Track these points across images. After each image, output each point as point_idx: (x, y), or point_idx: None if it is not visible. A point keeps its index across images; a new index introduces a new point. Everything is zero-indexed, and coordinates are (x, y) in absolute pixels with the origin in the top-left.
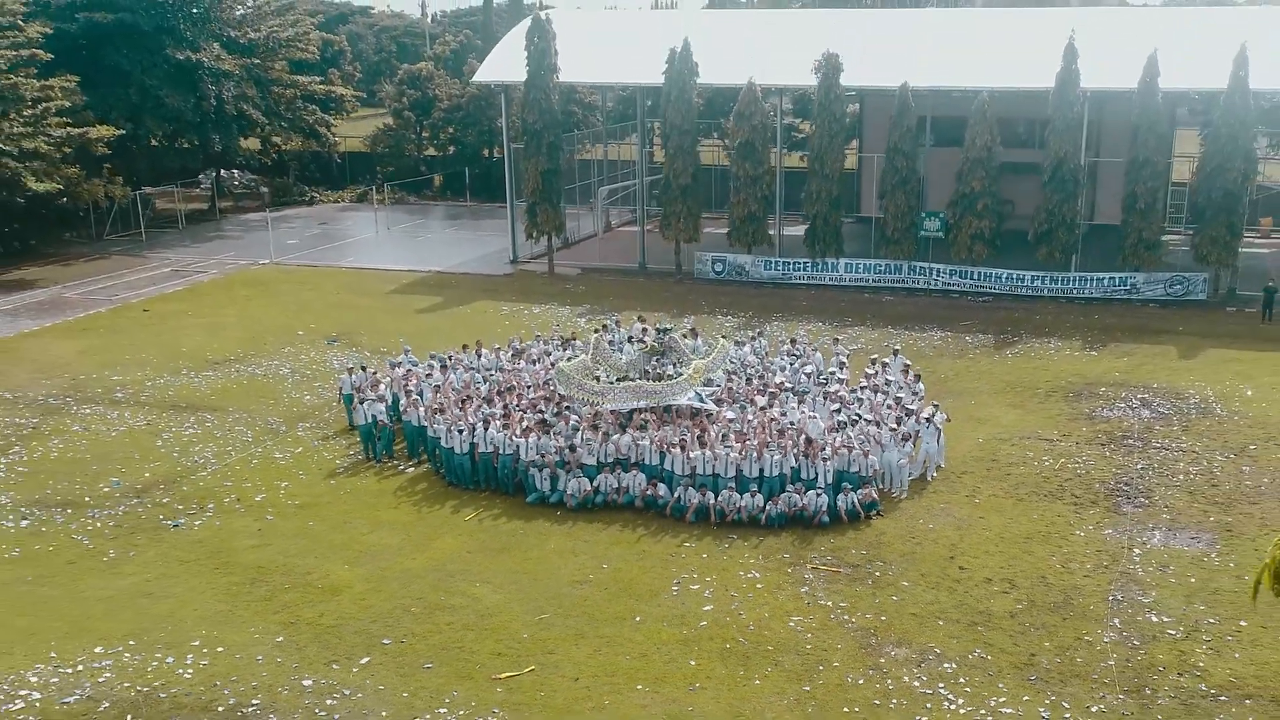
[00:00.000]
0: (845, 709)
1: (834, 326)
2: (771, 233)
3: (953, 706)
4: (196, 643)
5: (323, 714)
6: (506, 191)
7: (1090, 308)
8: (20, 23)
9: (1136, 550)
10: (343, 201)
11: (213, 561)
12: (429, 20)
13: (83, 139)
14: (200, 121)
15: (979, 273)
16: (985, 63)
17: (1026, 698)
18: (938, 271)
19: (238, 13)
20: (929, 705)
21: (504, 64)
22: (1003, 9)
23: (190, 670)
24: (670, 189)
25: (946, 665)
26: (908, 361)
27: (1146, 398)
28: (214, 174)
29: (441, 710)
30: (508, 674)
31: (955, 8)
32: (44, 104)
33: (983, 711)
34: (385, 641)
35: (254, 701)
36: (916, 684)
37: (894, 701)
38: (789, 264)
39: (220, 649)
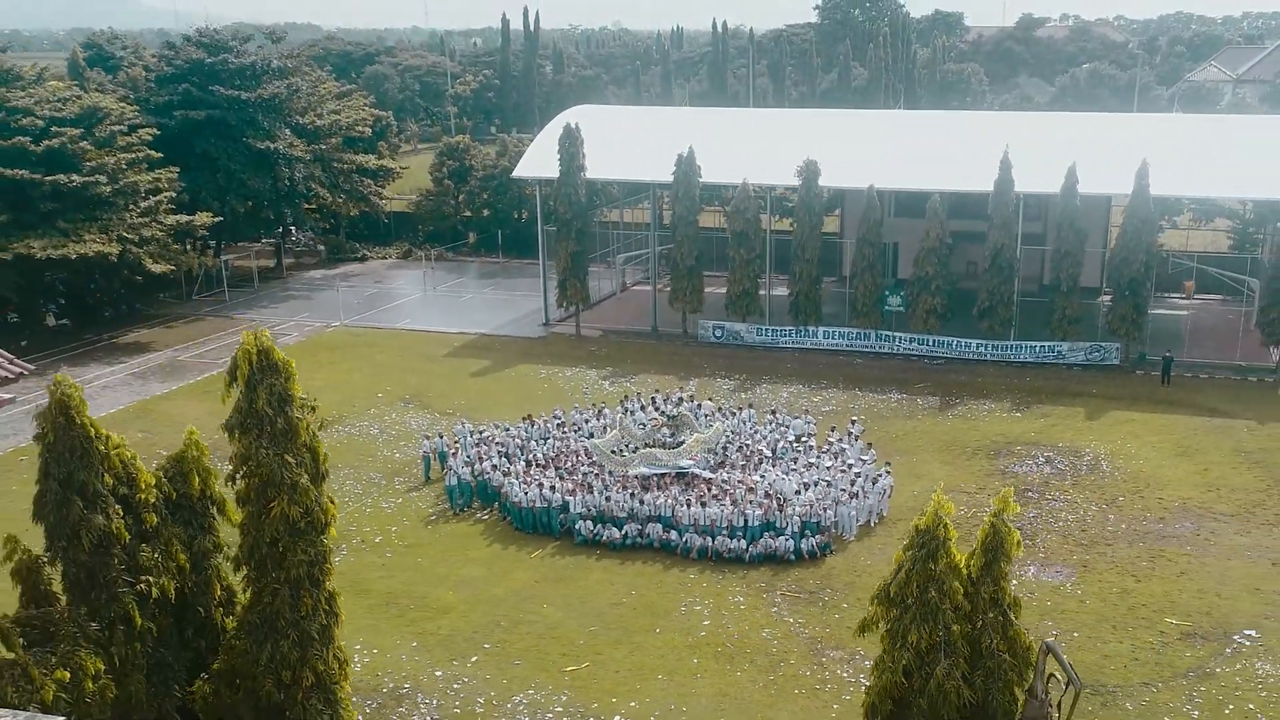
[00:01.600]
0: (796, 691)
1: (812, 389)
2: (763, 292)
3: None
4: (358, 646)
5: (452, 694)
6: (540, 263)
7: (1024, 370)
8: (137, 121)
9: (1014, 581)
10: (390, 258)
11: (355, 589)
12: (451, 61)
13: (188, 225)
14: (275, 198)
15: (933, 340)
16: (940, 160)
17: None
18: (899, 339)
19: (301, 102)
20: (852, 688)
21: (538, 161)
22: (956, 111)
23: (359, 665)
24: (678, 268)
25: (867, 662)
26: (861, 430)
27: (1051, 455)
28: (280, 234)
29: (530, 691)
30: (571, 668)
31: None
32: (155, 196)
33: None
34: (486, 646)
35: (405, 686)
36: (845, 675)
37: (829, 687)
38: (777, 331)
39: (375, 650)
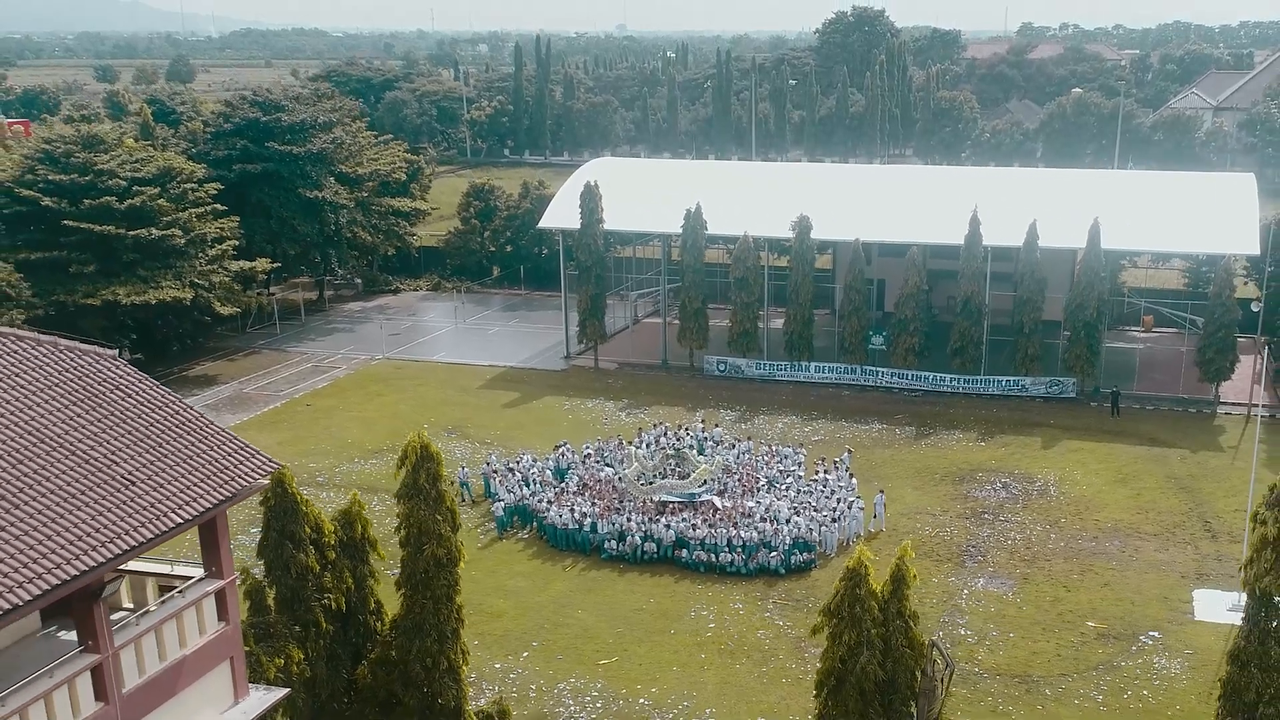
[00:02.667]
0: (784, 680)
1: (804, 419)
2: (761, 326)
3: None
4: None
5: (509, 682)
6: (562, 302)
7: (992, 402)
8: (203, 175)
9: (965, 591)
10: (421, 290)
11: None
12: (465, 86)
13: (251, 271)
14: (322, 242)
15: (912, 375)
16: (920, 211)
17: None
18: (882, 373)
19: (344, 152)
20: None
21: (561, 212)
22: (935, 167)
23: None
24: (686, 309)
25: None
26: (849, 460)
27: (1007, 482)
28: (324, 271)
29: (571, 680)
30: (604, 662)
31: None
32: (220, 245)
33: None
34: (534, 644)
35: (472, 676)
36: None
37: (810, 676)
38: (774, 365)
39: None
